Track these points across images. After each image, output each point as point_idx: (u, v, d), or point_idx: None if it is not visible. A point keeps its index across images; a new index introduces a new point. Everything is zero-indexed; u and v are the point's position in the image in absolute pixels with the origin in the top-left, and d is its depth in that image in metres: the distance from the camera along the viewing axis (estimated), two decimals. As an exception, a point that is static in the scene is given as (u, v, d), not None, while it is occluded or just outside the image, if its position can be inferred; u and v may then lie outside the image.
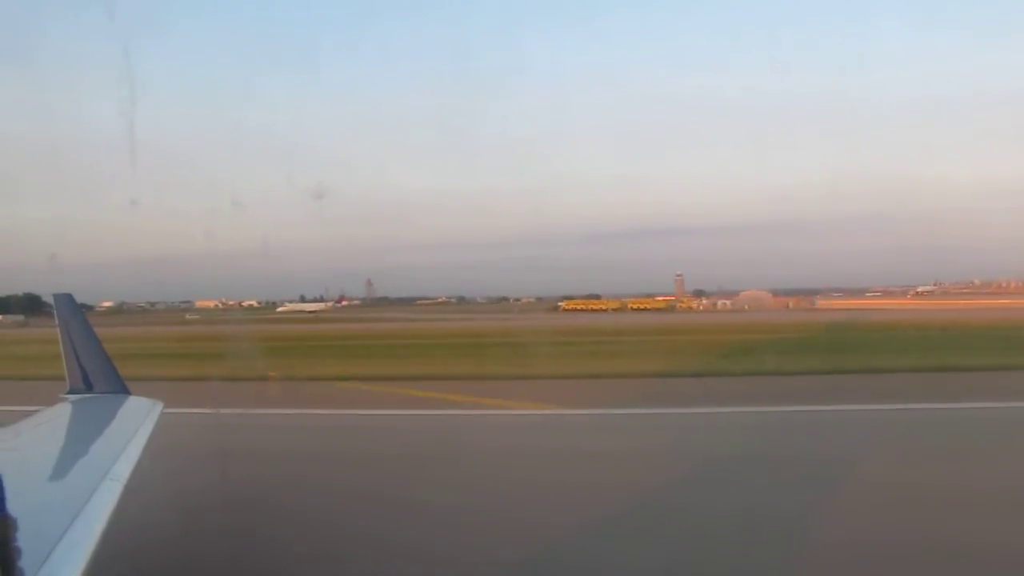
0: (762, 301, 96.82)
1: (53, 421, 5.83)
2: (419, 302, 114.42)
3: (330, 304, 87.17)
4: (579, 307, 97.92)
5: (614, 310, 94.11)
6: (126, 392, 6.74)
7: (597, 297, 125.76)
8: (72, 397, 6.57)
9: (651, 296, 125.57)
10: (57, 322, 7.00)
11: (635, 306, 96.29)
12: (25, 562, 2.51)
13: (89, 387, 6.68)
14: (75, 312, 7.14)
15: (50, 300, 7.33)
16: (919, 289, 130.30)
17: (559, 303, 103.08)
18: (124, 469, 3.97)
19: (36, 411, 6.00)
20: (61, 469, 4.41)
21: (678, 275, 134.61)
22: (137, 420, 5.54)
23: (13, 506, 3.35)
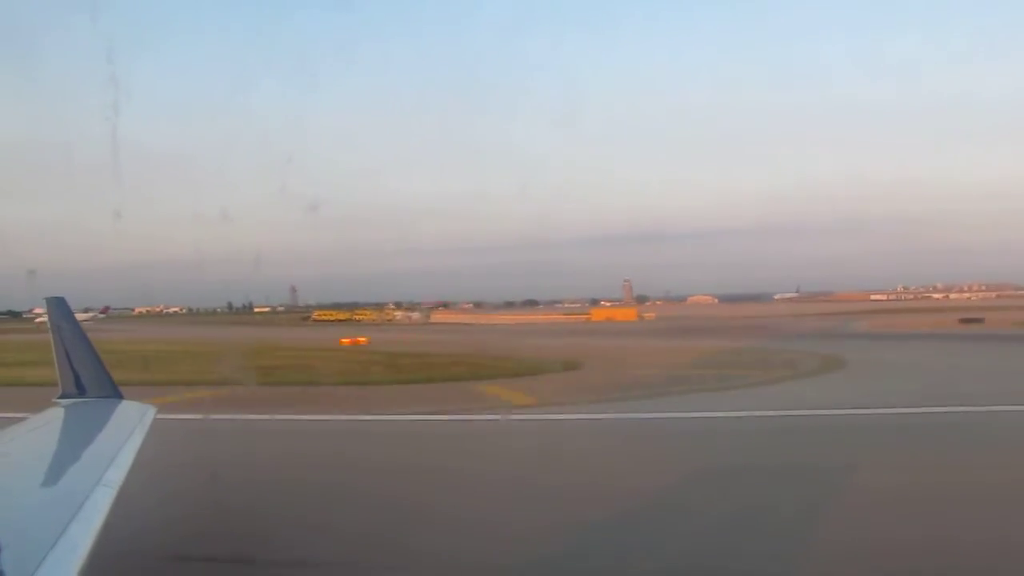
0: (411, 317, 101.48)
1: (46, 426, 5.79)
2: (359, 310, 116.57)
3: (93, 313, 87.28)
4: (325, 317, 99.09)
5: (340, 320, 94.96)
6: (119, 396, 6.71)
7: (535, 303, 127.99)
8: (64, 402, 6.54)
9: (596, 302, 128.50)
10: (49, 326, 6.96)
11: (359, 317, 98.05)
12: (17, 569, 2.51)
13: (82, 391, 6.65)
14: (67, 316, 7.11)
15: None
16: (776, 296, 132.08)
17: (310, 313, 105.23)
18: (117, 475, 3.95)
19: (28, 416, 5.96)
20: (54, 475, 4.39)
21: (626, 280, 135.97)
22: (130, 425, 5.52)
23: (5, 512, 3.34)
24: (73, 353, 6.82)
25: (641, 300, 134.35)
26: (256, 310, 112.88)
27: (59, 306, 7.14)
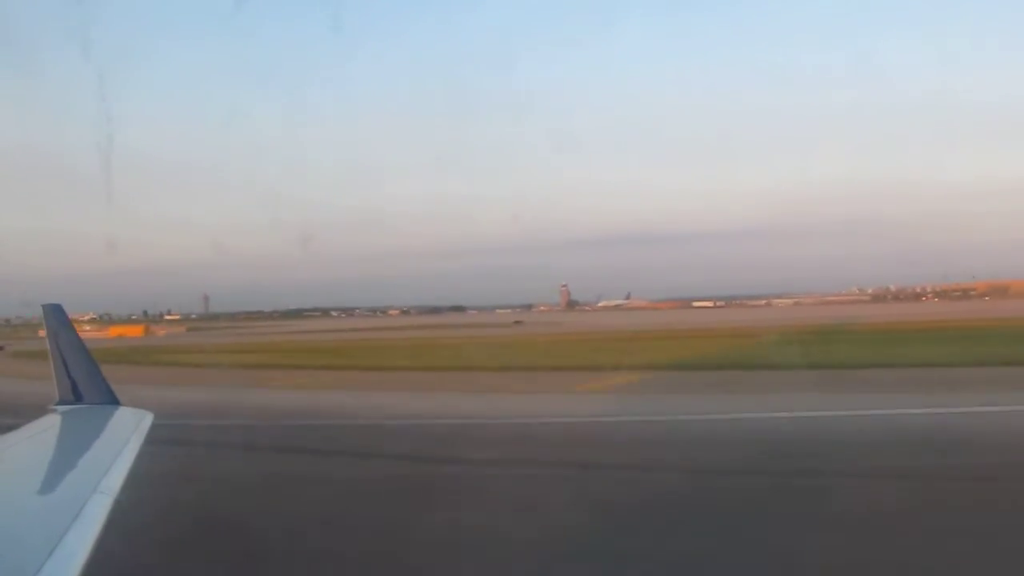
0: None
1: (42, 433, 5.78)
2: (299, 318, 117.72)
3: None
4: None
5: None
6: (116, 403, 6.71)
7: (462, 309, 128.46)
8: (61, 408, 6.53)
9: (530, 307, 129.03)
10: (46, 333, 6.97)
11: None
12: (13, 578, 2.51)
13: (78, 398, 6.65)
14: (64, 323, 7.11)
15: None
16: (600, 303, 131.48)
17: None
18: (114, 482, 3.95)
19: (25, 423, 5.96)
20: (51, 482, 4.39)
21: (563, 285, 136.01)
22: (127, 431, 5.51)
23: (1, 520, 3.34)
24: (70, 360, 6.81)
25: (572, 305, 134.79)
26: (167, 318, 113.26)
27: (56, 313, 7.13)
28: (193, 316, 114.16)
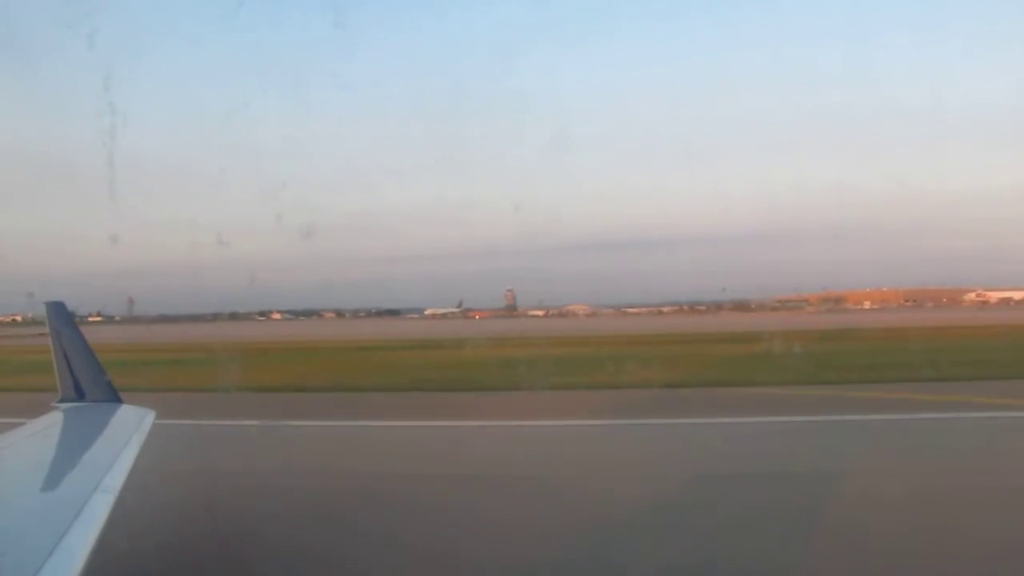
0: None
1: (44, 431, 5.79)
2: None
3: None
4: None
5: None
6: (118, 401, 6.71)
7: (396, 312, 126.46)
8: (63, 406, 6.54)
9: (466, 310, 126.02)
10: (49, 331, 6.97)
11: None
12: (16, 575, 2.51)
13: (81, 396, 6.65)
14: (67, 321, 7.11)
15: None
16: (427, 311, 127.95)
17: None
18: (116, 480, 3.95)
19: (27, 421, 5.96)
20: (52, 480, 4.39)
21: (508, 290, 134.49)
22: (129, 430, 5.52)
23: (4, 517, 3.34)
24: (72, 357, 6.81)
25: (511, 310, 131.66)
26: (91, 319, 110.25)
27: (58, 310, 7.14)
28: (117, 318, 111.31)
